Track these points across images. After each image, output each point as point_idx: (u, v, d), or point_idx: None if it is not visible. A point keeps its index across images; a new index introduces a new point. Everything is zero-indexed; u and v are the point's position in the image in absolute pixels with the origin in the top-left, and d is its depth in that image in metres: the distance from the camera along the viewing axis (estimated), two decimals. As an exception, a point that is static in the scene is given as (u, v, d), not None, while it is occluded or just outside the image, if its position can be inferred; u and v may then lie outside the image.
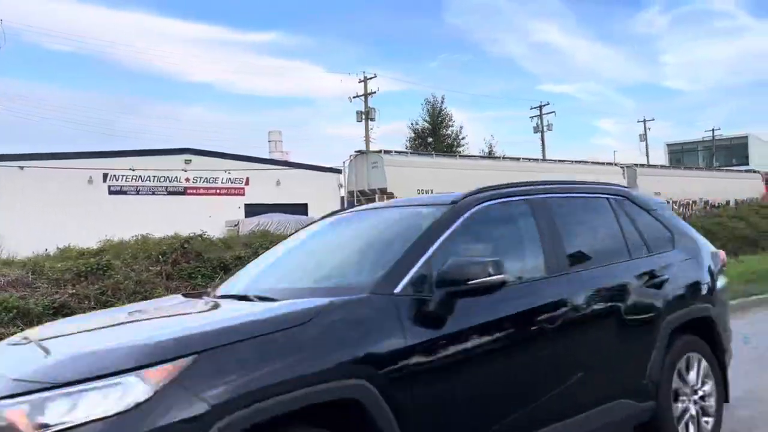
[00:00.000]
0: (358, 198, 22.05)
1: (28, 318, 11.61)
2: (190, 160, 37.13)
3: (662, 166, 39.27)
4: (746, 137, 69.44)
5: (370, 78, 41.20)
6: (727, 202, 30.11)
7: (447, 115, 41.06)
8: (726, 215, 25.40)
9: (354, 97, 41.53)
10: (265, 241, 16.31)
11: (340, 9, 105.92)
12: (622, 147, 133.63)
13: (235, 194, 39.13)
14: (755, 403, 4.60)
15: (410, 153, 25.60)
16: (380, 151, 23.48)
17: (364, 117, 40.73)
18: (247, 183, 39.52)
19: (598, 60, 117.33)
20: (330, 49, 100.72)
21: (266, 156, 45.66)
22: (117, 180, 34.39)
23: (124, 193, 34.65)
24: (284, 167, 41.94)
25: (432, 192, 21.82)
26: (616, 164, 29.44)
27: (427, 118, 41.20)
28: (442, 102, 40.84)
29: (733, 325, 7.99)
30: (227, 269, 14.98)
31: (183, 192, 37.08)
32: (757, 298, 9.93)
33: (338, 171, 46.63)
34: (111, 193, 34.17)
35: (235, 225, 35.39)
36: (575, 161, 28.80)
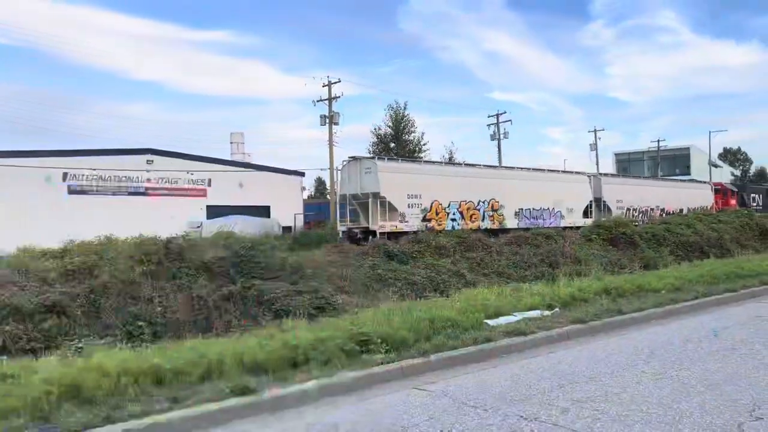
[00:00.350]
0: (350, 201, 22.84)
1: (20, 315, 11.75)
2: (152, 161, 36.75)
3: (624, 176, 41.00)
4: (688, 148, 72.78)
5: (335, 82, 41.57)
6: (681, 210, 32.00)
7: (410, 121, 41.81)
8: (674, 222, 27.01)
9: (318, 101, 41.77)
10: (246, 243, 16.68)
11: (293, 10, 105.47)
12: (570, 155, 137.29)
13: (197, 195, 38.84)
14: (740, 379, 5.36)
15: (401, 160, 26.19)
16: (374, 157, 24.54)
17: (328, 121, 41.01)
18: (209, 184, 39.31)
19: (547, 70, 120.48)
20: (284, 51, 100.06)
21: (228, 157, 45.49)
22: (77, 179, 33.77)
23: (85, 192, 34.01)
24: (248, 169, 41.90)
25: (420, 196, 22.93)
26: (583, 173, 30.93)
27: (390, 124, 41.82)
28: (404, 108, 41.63)
29: (700, 320, 8.91)
30: (209, 269, 15.28)
31: (144, 192, 36.64)
32: (715, 297, 10.95)
33: (302, 174, 46.90)
34: (71, 192, 33.52)
35: (198, 227, 35.24)
36: (549, 170, 30.28)
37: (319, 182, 66.53)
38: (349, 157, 23.51)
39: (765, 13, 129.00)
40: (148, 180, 36.64)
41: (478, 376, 6.07)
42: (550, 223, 26.68)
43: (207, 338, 8.69)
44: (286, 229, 39.70)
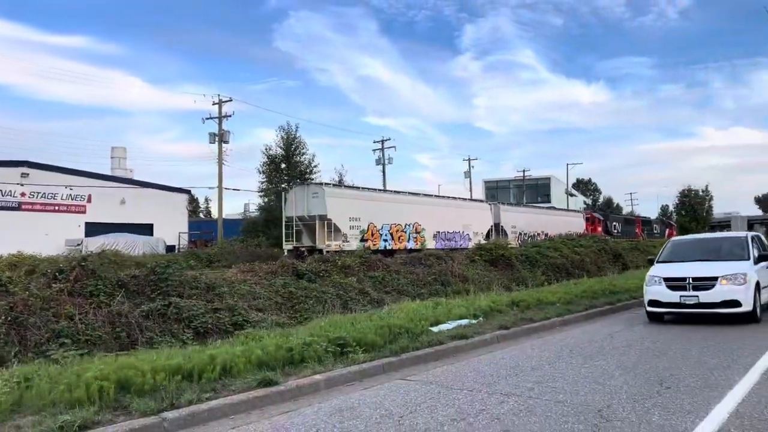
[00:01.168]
0: (296, 223, 24.96)
1: None
2: (27, 174, 34.79)
3: (518, 204, 45.42)
4: (549, 178, 79.75)
5: (226, 101, 41.61)
6: (560, 235, 36.02)
7: (301, 143, 42.73)
8: (544, 246, 30.12)
9: (207, 119, 41.52)
10: (161, 261, 16.90)
11: (160, 21, 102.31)
12: (440, 181, 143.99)
13: (75, 212, 37.17)
14: (635, 369, 7.04)
15: (344, 186, 29.14)
16: (321, 184, 26.95)
17: (217, 139, 40.87)
18: (89, 200, 37.75)
19: (418, 97, 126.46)
20: (149, 62, 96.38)
21: (109, 172, 43.72)
22: (-58, 191, 31.22)
23: (-50, 206, 31.51)
24: (131, 185, 40.63)
25: (359, 219, 24.69)
26: (485, 202, 34.69)
27: (282, 145, 42.49)
28: (296, 130, 42.50)
29: (595, 326, 10.79)
30: (126, 286, 15.42)
31: (18, 207, 34.54)
32: (599, 309, 13.08)
33: (187, 191, 46.08)
34: (-65, 205, 30.90)
35: (78, 245, 33.85)
36: (460, 198, 34.06)
37: (191, 200, 65.01)
38: (298, 182, 26.24)
39: (610, 57, 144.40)
40: (23, 194, 34.59)
41: (446, 369, 7.35)
42: (461, 245, 29.42)
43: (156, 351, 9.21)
44: (170, 248, 38.89)
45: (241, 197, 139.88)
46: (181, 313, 14.76)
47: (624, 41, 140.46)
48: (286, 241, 25.36)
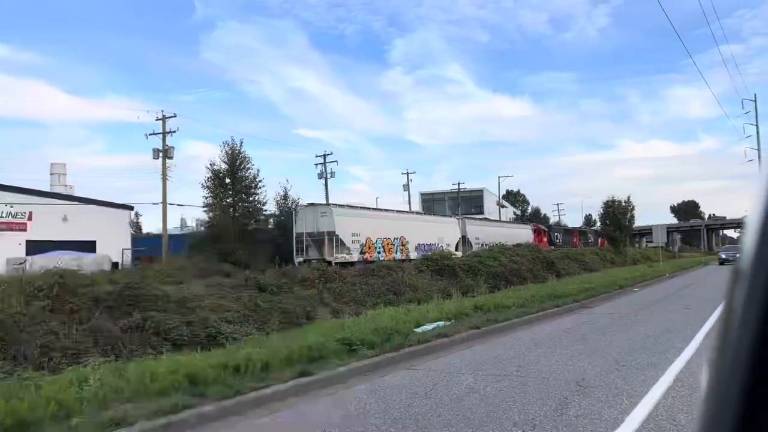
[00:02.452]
0: (306, 241, 28.75)
1: None
2: (-35, 191, 33.90)
3: (480, 218, 49.40)
4: (482, 191, 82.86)
5: (170, 117, 41.82)
6: (517, 245, 40.16)
7: (246, 158, 43.26)
8: (484, 255, 32.17)
9: (150, 134, 41.61)
10: (134, 278, 17.59)
11: (79, 31, 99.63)
12: (375, 193, 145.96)
13: (16, 229, 36.43)
14: (594, 355, 8.67)
15: (347, 206, 32.00)
16: (329, 205, 31.26)
17: (162, 155, 41.01)
18: (30, 218, 37.05)
19: (350, 110, 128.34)
20: (68, 72, 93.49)
21: (48, 188, 42.81)
22: None
23: None
24: (73, 202, 40.07)
25: (360, 234, 27.66)
26: (453, 217, 41.41)
27: (226, 160, 42.93)
28: (240, 145, 43.02)
29: (549, 325, 12.48)
30: (104, 301, 16.12)
31: (-45, 226, 33.57)
32: (550, 311, 14.85)
33: (130, 208, 45.71)
34: None
35: (21, 263, 33.32)
36: (434, 214, 38.71)
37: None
38: (308, 203, 30.46)
39: (533, 73, 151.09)
40: (-40, 212, 33.69)
41: (440, 361, 8.75)
42: None
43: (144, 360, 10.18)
44: (114, 265, 38.58)
45: (175, 211, 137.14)
46: (159, 327, 15.63)
47: (547, 57, 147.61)
48: (297, 254, 28.91)
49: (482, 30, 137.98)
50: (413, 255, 31.18)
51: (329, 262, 25.79)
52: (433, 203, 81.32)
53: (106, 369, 6.91)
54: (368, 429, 5.31)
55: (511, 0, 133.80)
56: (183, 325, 16.30)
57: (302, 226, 28.99)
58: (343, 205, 33.21)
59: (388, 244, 31.15)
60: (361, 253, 28.83)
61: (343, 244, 28.08)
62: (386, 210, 35.20)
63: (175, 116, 41.67)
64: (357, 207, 32.85)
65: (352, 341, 9.08)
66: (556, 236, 57.25)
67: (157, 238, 46.78)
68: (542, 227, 55.59)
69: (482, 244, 37.15)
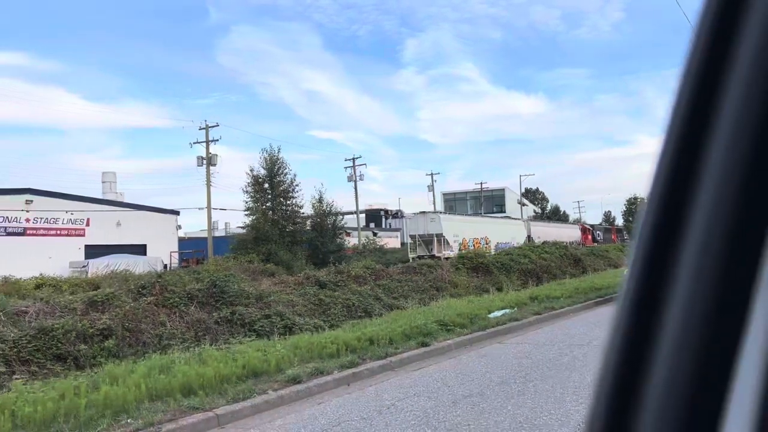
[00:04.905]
0: (417, 241, 36.32)
1: (84, 337, 14.27)
2: (32, 201, 36.44)
3: (540, 219, 58.41)
4: (503, 190, 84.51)
5: (212, 126, 44.19)
6: (570, 243, 44.57)
7: (283, 163, 45.48)
8: (515, 253, 34.05)
9: (195, 143, 44.02)
10: (220, 275, 19.73)
11: (96, 38, 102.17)
12: (389, 193, 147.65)
13: (75, 235, 38.95)
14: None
15: (449, 213, 41.38)
16: (438, 212, 40.18)
17: (206, 162, 43.35)
18: (87, 224, 39.57)
19: (363, 111, 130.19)
20: (87, 78, 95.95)
21: (101, 196, 45.34)
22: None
23: (-38, 232, 33.01)
24: (125, 208, 42.55)
25: (458, 235, 36.63)
26: (520, 219, 49.34)
27: (265, 166, 45.19)
28: (278, 152, 45.22)
29: (597, 312, 14.51)
30: (195, 297, 18.28)
31: (23, 233, 36.17)
32: (594, 301, 16.77)
33: (177, 213, 48.15)
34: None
35: (83, 266, 35.90)
36: (507, 217, 49.13)
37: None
38: (419, 212, 38.65)
39: (547, 69, 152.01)
40: (27, 220, 36.23)
41: (521, 338, 10.75)
42: None
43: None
44: (164, 267, 40.98)
45: (205, 214, 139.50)
46: (243, 319, 17.79)
47: (561, 53, 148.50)
48: (411, 252, 36.40)
49: (494, 27, 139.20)
50: (493, 251, 36.19)
51: (437, 257, 30.79)
52: (455, 202, 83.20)
53: (279, 342, 8.99)
54: (493, 378, 7.32)
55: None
56: (263, 318, 18.48)
57: (414, 229, 36.80)
58: (447, 212, 40.65)
59: (476, 242, 38.29)
60: (459, 249, 34.23)
61: (447, 242, 35.34)
62: (476, 215, 47.56)
63: (217, 125, 43.97)
64: (456, 214, 41.49)
65: (446, 322, 11.11)
66: (598, 234, 64.86)
67: (198, 240, 49.28)
68: (587, 226, 62.98)
69: (544, 242, 41.78)
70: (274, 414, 6.12)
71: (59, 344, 13.81)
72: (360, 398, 6.55)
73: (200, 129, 44.10)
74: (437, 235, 35.65)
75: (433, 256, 31.96)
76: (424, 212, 38.35)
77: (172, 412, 5.51)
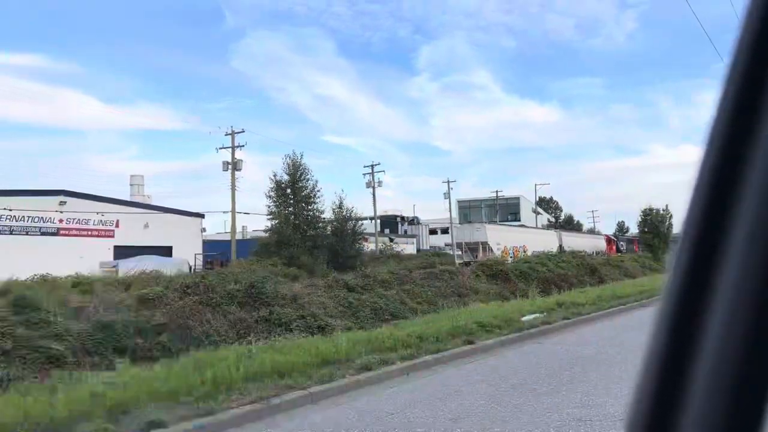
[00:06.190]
0: (464, 248, 40.10)
1: (140, 332, 15.22)
2: (65, 202, 37.71)
3: (569, 230, 61.71)
4: (518, 198, 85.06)
5: (238, 132, 45.38)
6: (596, 253, 45.87)
7: (306, 169, 46.46)
8: (533, 262, 34.78)
9: (221, 148, 45.19)
10: (257, 277, 20.70)
11: (112, 40, 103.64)
12: (401, 199, 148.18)
13: (105, 236, 40.18)
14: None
15: (493, 223, 46.79)
16: (483, 222, 46.59)
17: (231, 167, 44.49)
18: (117, 225, 40.79)
19: (376, 117, 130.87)
20: (105, 80, 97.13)
21: (128, 198, 46.63)
22: (-6, 220, 33.99)
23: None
24: (152, 211, 43.76)
25: (500, 243, 41.17)
26: (551, 230, 54.40)
27: (288, 172, 46.22)
28: (301, 158, 46.18)
29: (623, 318, 15.25)
30: (235, 297, 19.21)
31: (56, 233, 37.46)
32: (617, 308, 17.56)
33: (201, 216, 49.36)
34: (-12, 233, 33.68)
35: (114, 266, 37.05)
36: (537, 227, 51.78)
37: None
38: (466, 222, 44.46)
39: (561, 78, 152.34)
40: (60, 221, 37.48)
41: (556, 340, 11.61)
42: None
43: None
44: (189, 269, 42.11)
45: (221, 217, 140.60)
46: (281, 319, 18.74)
47: (575, 62, 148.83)
48: (457, 257, 39.28)
49: (509, 36, 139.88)
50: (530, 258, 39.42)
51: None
52: (469, 210, 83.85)
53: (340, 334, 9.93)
54: (540, 371, 8.20)
55: (538, 5, 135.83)
56: (299, 318, 19.43)
57: (461, 237, 41.46)
58: (491, 222, 45.03)
59: (515, 249, 42.57)
60: (500, 255, 38.07)
61: (491, 249, 39.65)
62: (515, 225, 52.01)
63: (243, 131, 45.13)
64: (498, 223, 46.54)
65: (485, 324, 11.99)
66: (621, 244, 68.12)
67: (216, 243, 50.47)
68: (612, 237, 67.33)
69: (573, 250, 43.68)
70: (354, 394, 7.05)
71: (120, 337, 14.87)
72: (427, 384, 7.47)
73: (226, 134, 45.23)
74: (482, 243, 39.73)
75: (476, 262, 33.48)
76: (470, 222, 43.69)
77: (273, 388, 6.43)
